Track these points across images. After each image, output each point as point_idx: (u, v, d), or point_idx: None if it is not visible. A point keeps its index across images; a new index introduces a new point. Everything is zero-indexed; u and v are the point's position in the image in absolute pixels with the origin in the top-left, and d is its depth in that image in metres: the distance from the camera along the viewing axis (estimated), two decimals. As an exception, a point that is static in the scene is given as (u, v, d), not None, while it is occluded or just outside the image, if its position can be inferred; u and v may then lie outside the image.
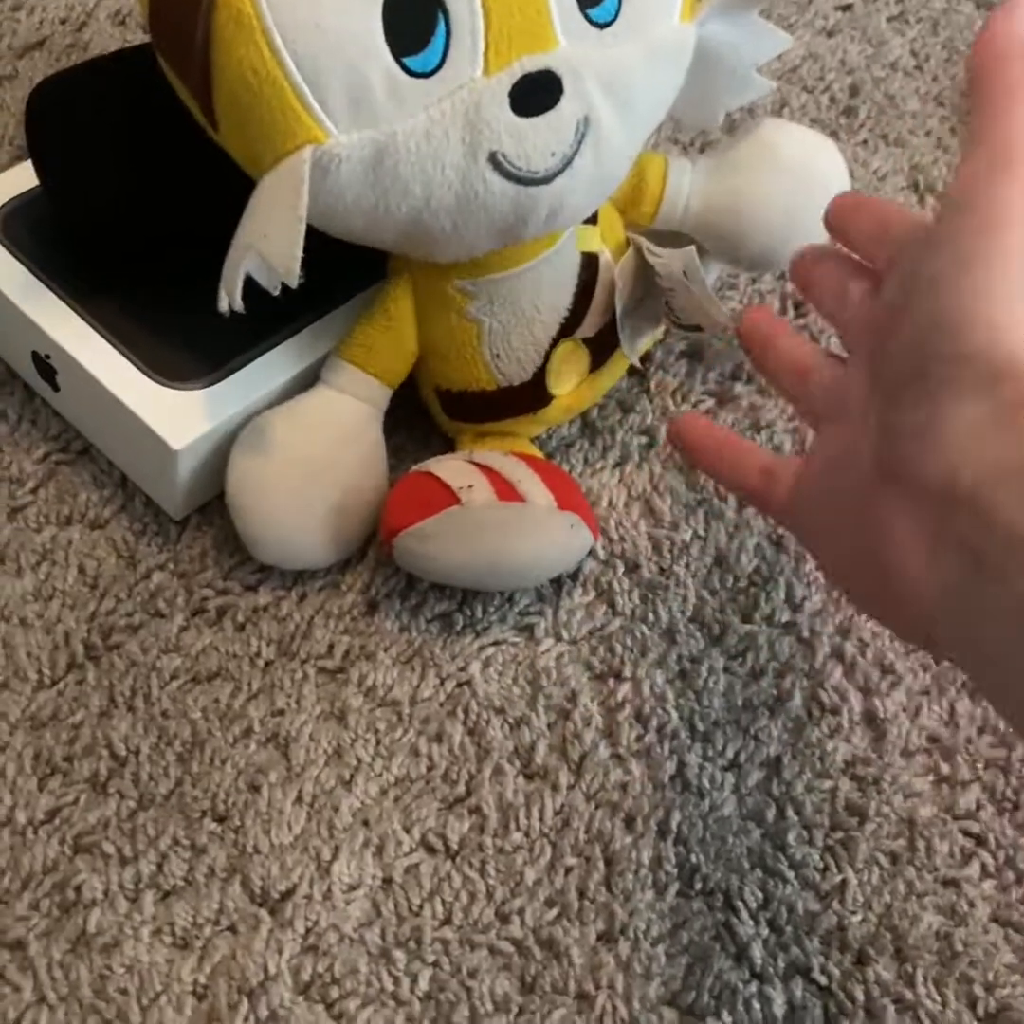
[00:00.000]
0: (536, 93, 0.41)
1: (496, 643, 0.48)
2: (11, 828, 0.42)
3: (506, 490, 0.46)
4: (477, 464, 0.47)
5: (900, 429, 0.34)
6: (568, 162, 0.43)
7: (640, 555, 0.50)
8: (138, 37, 0.64)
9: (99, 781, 0.43)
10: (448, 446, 0.51)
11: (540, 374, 0.49)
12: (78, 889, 0.41)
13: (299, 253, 0.40)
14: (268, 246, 0.40)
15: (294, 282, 0.41)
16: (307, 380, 0.48)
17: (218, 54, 0.40)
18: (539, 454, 0.51)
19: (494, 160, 0.41)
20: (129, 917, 0.41)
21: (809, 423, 0.42)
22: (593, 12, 0.42)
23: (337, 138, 0.40)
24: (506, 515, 0.46)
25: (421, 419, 0.52)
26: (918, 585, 0.34)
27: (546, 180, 0.42)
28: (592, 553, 0.50)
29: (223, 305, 0.42)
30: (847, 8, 0.73)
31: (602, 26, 0.42)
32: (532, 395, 0.49)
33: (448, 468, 0.47)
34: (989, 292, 0.33)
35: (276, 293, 0.42)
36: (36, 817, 0.42)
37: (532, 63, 0.41)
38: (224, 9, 0.39)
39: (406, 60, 0.40)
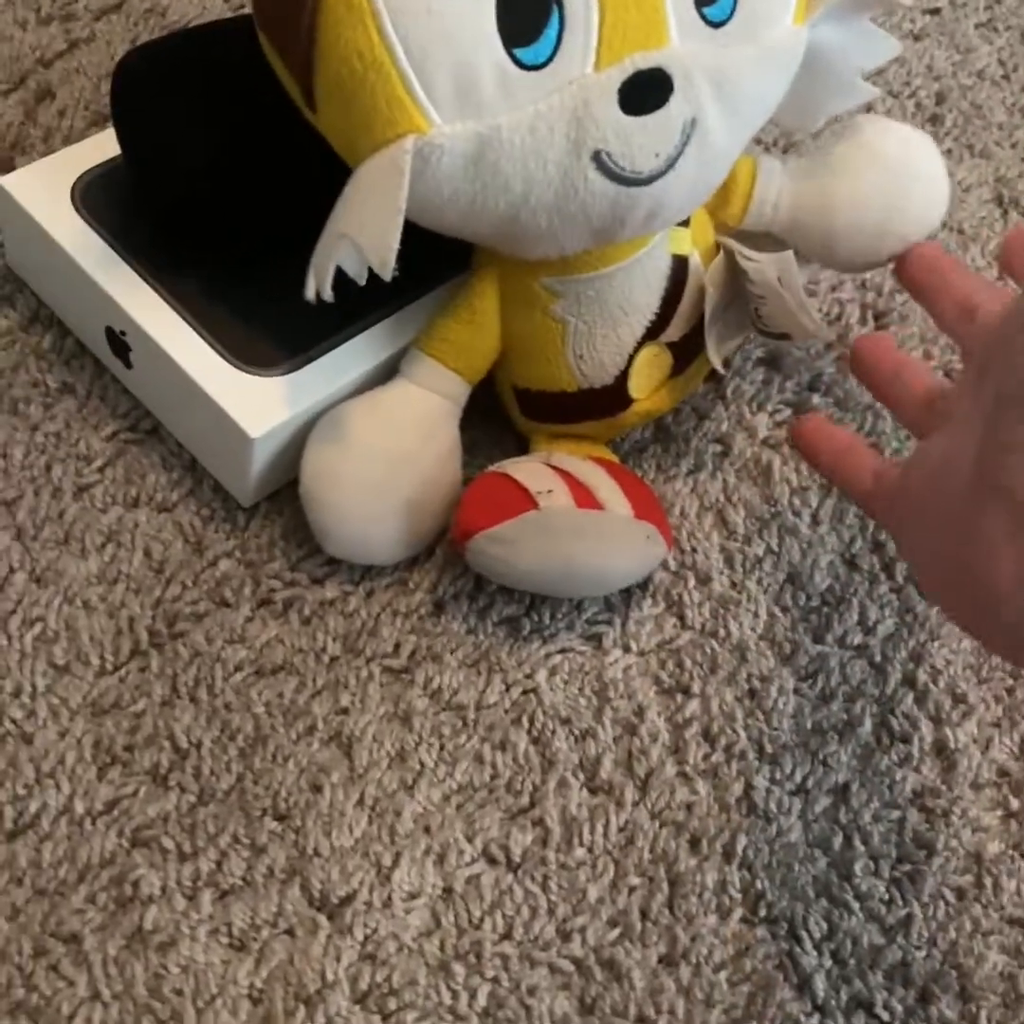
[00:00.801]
0: (646, 92, 0.40)
1: (563, 651, 0.47)
2: (69, 817, 0.41)
3: (584, 497, 0.45)
4: (555, 468, 0.46)
5: (1004, 443, 0.34)
6: (671, 163, 0.42)
7: (712, 568, 0.49)
8: (216, 3, 0.62)
9: (160, 773, 0.42)
10: (522, 445, 0.50)
11: (622, 377, 0.48)
12: (136, 884, 0.40)
13: (396, 245, 0.39)
14: (364, 236, 0.39)
15: (388, 274, 0.39)
16: (386, 372, 0.47)
17: (324, 35, 0.38)
18: (615, 458, 0.50)
19: (598, 159, 0.40)
20: (186, 915, 0.40)
21: (917, 436, 0.43)
22: (709, 10, 0.41)
23: (440, 128, 0.39)
24: (584, 523, 0.45)
25: (495, 416, 0.50)
26: (1009, 595, 0.34)
27: (648, 181, 0.41)
28: (663, 563, 0.49)
29: (310, 293, 0.41)
30: (935, 12, 0.71)
31: (717, 25, 0.41)
32: (612, 399, 0.48)
33: (526, 471, 0.46)
34: None
35: (363, 283, 0.41)
36: (95, 808, 0.41)
37: (644, 60, 0.40)
38: (336, -11, 0.38)
39: (517, 51, 0.39)
